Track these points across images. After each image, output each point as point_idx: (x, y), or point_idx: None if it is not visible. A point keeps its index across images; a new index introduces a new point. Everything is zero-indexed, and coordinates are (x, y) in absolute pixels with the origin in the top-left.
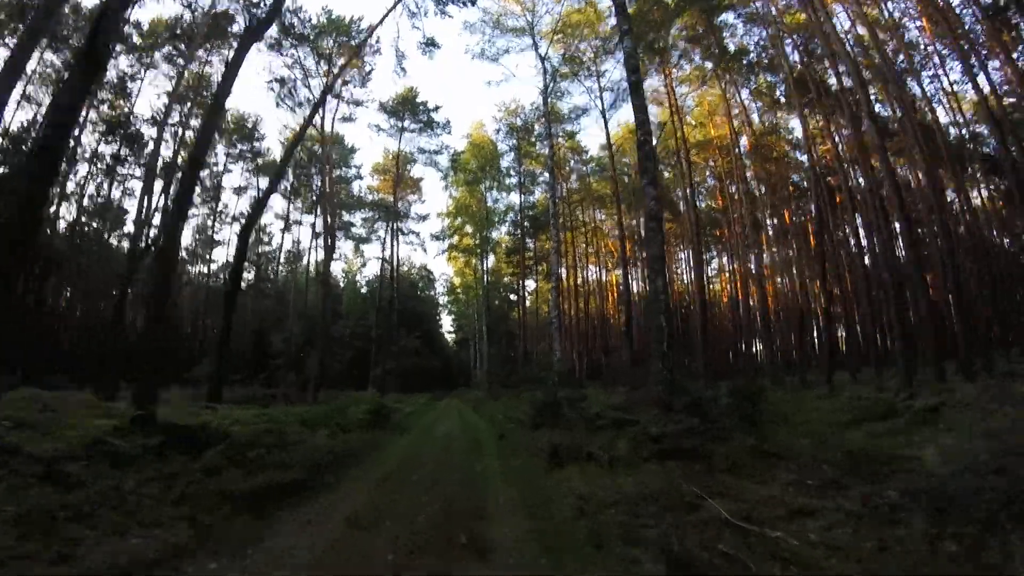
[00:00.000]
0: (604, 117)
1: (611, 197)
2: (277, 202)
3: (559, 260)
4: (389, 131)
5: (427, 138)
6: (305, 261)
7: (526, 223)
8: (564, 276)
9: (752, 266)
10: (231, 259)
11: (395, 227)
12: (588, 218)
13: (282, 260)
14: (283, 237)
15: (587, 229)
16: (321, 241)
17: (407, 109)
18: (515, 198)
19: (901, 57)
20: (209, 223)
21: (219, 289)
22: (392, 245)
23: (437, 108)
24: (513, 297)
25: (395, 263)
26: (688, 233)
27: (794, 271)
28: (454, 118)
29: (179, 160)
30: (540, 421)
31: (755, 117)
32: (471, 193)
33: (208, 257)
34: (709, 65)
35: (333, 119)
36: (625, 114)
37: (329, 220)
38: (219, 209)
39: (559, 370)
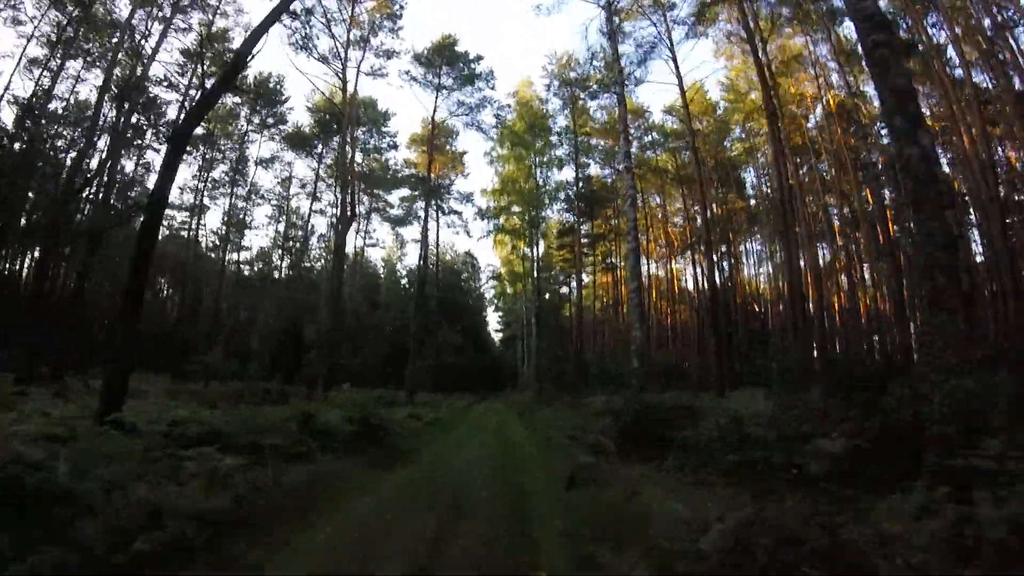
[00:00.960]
0: (675, 58)
1: (675, 173)
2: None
3: (635, 207)
4: (422, 83)
5: (467, 95)
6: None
7: (580, 203)
8: (618, 273)
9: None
10: (264, 245)
11: (434, 206)
12: (644, 202)
13: (315, 245)
14: (309, 217)
15: (646, 213)
16: (356, 226)
17: (444, 59)
18: (568, 173)
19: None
20: (239, 204)
21: (247, 279)
22: (429, 226)
23: (479, 58)
24: (564, 291)
25: (435, 247)
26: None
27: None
28: (498, 77)
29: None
30: (628, 446)
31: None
32: (518, 165)
33: (239, 243)
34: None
35: (358, 71)
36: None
37: (350, 185)
38: (248, 188)
39: (639, 369)
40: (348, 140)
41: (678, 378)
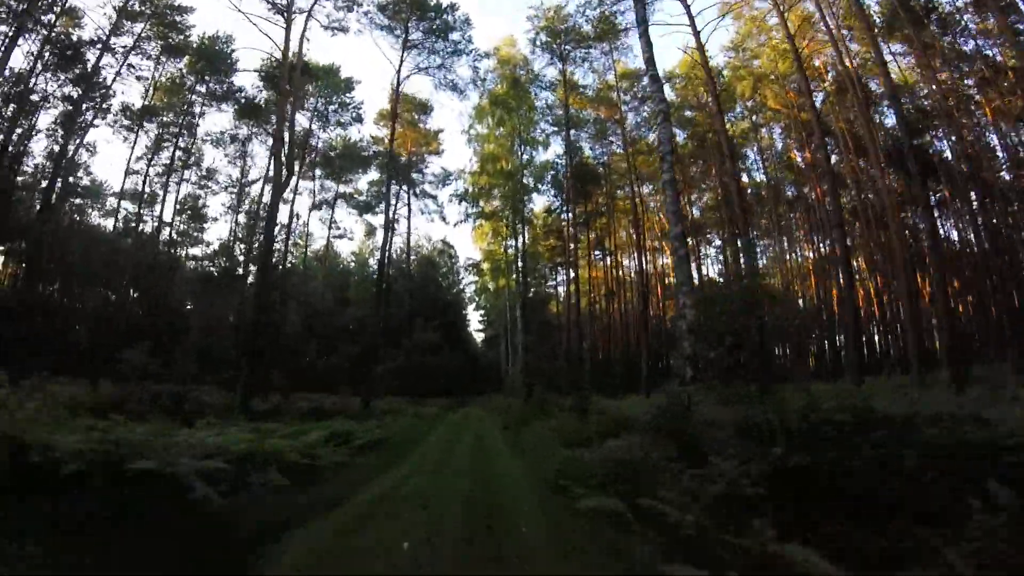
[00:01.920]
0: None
1: (691, 149)
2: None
3: (669, 121)
4: (384, 28)
5: (440, 50)
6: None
7: (574, 179)
8: (608, 263)
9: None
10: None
11: (405, 189)
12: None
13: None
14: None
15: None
16: (323, 216)
17: (413, 10)
18: (556, 150)
19: None
20: (194, 191)
21: (208, 275)
22: (400, 211)
23: (453, 7)
24: (550, 289)
25: (407, 236)
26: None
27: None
28: (477, 38)
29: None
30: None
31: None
32: (499, 143)
33: (197, 236)
34: None
35: (308, 17)
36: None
37: (288, 140)
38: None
39: (690, 352)
40: (289, 86)
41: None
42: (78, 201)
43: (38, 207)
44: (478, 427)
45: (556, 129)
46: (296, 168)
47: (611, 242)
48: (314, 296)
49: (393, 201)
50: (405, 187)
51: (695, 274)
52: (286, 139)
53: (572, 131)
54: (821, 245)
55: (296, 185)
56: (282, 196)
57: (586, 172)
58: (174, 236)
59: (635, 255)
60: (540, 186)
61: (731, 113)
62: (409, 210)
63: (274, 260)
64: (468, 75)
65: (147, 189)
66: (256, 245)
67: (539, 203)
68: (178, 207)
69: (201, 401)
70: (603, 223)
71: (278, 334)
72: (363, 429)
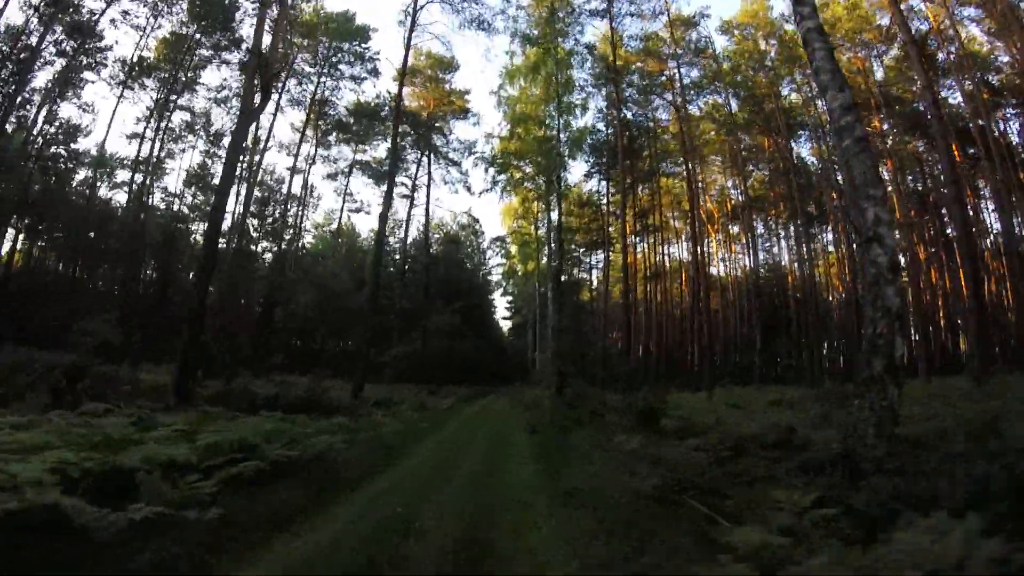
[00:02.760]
0: None
1: (742, 118)
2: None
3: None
4: None
5: None
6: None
7: (623, 131)
8: (652, 242)
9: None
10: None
11: (423, 155)
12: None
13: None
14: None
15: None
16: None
17: None
18: (594, 111)
19: None
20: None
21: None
22: (415, 178)
23: None
24: (584, 274)
25: (425, 207)
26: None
27: None
28: None
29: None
30: None
31: None
32: (534, 100)
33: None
34: None
35: None
36: None
37: (262, 61)
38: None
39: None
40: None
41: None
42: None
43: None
44: (497, 429)
45: (596, 83)
46: (265, 98)
47: (656, 217)
48: (329, 276)
49: (412, 168)
50: (425, 153)
51: (748, 261)
52: (265, 46)
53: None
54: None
55: (311, 154)
56: (251, 123)
57: (634, 129)
58: (184, 210)
59: (684, 236)
60: (577, 153)
61: (787, 80)
62: (429, 177)
63: (286, 236)
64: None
65: (152, 154)
66: (270, 220)
67: (576, 173)
68: (187, 177)
69: (126, 379)
70: (647, 198)
71: (268, 316)
72: (305, 433)
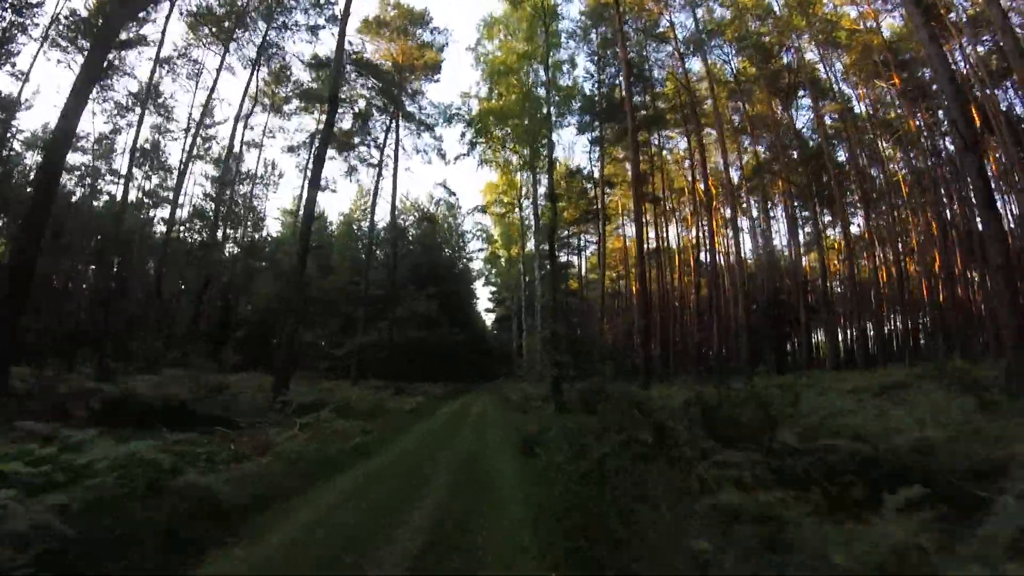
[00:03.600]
0: None
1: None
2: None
3: None
4: None
5: None
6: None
7: (631, 82)
8: (652, 236)
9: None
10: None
11: (390, 120)
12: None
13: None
14: (239, 150)
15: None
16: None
17: None
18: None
19: None
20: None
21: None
22: (387, 143)
23: None
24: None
25: (392, 177)
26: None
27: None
28: None
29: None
30: None
31: None
32: (512, 54)
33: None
34: None
35: None
36: None
37: None
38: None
39: None
40: None
41: None
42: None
43: None
44: (471, 447)
45: (590, 22)
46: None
47: (657, 185)
48: (289, 263)
49: (380, 136)
50: (392, 116)
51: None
52: None
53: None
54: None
55: (267, 126)
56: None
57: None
58: (141, 196)
59: (677, 216)
60: (566, 112)
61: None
62: (397, 142)
63: (239, 218)
64: None
65: (92, 131)
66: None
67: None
68: (138, 157)
69: None
70: (645, 163)
71: (227, 309)
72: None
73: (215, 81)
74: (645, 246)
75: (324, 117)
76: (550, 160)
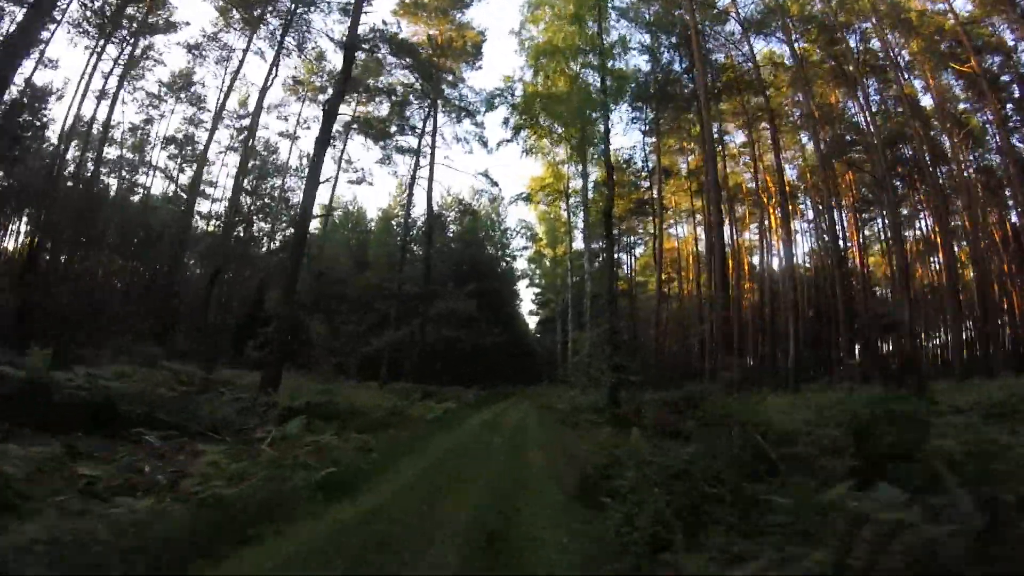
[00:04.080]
0: None
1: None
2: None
3: None
4: None
5: None
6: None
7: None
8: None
9: None
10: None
11: (429, 106)
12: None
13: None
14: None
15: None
16: (336, 158)
17: None
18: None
19: None
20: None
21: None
22: (426, 129)
23: None
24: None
25: (429, 168)
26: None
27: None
28: None
29: None
30: None
31: None
32: (566, 33)
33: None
34: None
35: None
36: None
37: None
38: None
39: None
40: None
41: None
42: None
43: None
44: (504, 484)
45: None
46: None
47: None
48: (324, 257)
49: (418, 122)
50: (429, 100)
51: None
52: None
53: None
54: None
55: (301, 116)
56: None
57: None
58: (178, 190)
59: (748, 215)
60: (621, 101)
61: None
62: (435, 126)
63: (283, 217)
64: None
65: (122, 120)
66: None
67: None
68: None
69: None
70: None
71: (259, 302)
72: None
73: (240, 63)
74: (722, 238)
75: (355, 103)
76: (606, 129)
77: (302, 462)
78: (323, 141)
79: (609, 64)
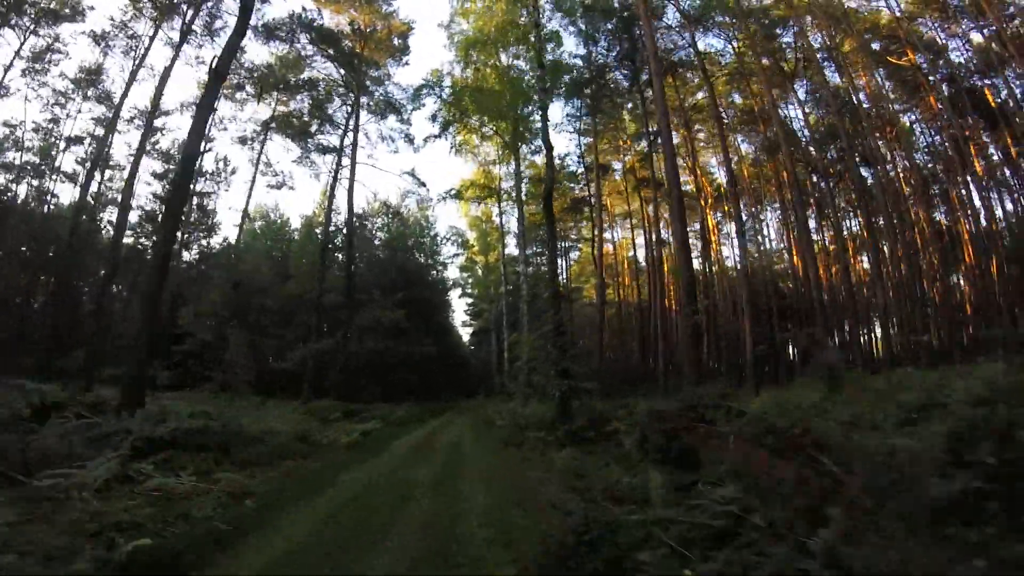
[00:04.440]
0: None
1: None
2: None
3: None
4: None
5: None
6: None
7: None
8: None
9: None
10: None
11: (350, 103)
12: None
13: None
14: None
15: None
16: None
17: None
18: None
19: None
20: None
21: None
22: (345, 132)
23: None
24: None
25: (350, 168)
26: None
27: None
28: None
29: None
30: None
31: None
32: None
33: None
34: None
35: None
36: None
37: None
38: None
39: None
40: None
41: None
42: None
43: None
44: (431, 552)
45: None
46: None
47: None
48: (245, 265)
49: (340, 118)
50: (353, 100)
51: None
52: None
53: None
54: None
55: (214, 114)
56: None
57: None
58: (88, 198)
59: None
60: (556, 91)
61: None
62: (356, 125)
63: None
64: None
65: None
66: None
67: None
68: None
69: None
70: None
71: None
72: None
73: (146, 51)
74: (686, 238)
75: (275, 102)
76: (543, 106)
77: (128, 522)
78: (207, 105)
79: (545, 55)
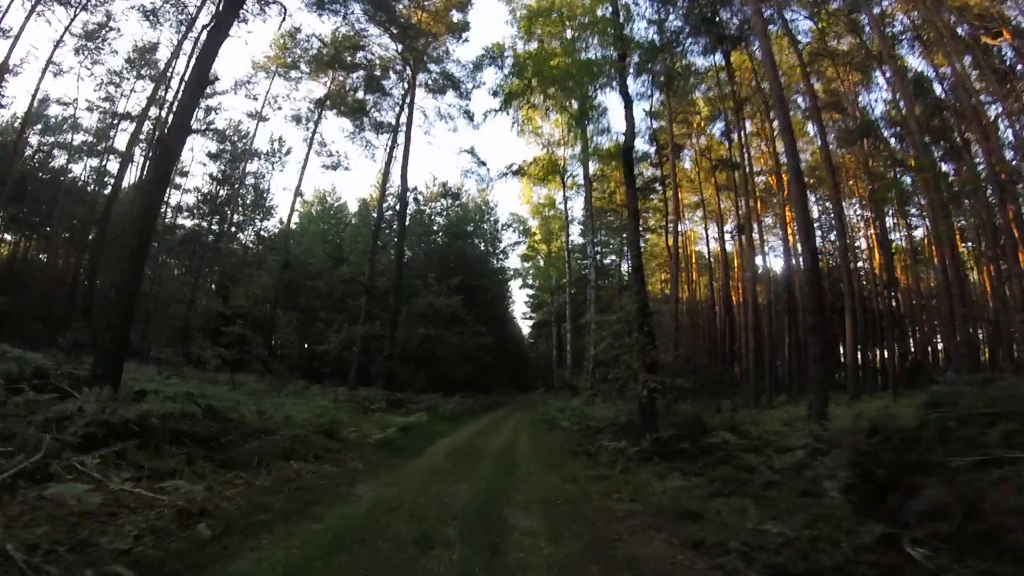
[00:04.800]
0: None
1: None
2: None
3: None
4: None
5: None
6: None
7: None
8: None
9: None
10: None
11: (407, 77)
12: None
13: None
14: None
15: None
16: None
17: None
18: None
19: None
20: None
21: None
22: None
23: None
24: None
25: (404, 148)
26: None
27: None
28: None
29: None
30: None
31: None
32: None
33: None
34: None
35: None
36: None
37: None
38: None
39: None
40: None
41: None
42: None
43: None
44: None
45: None
46: None
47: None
48: (297, 246)
49: (396, 93)
50: (411, 76)
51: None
52: None
53: None
54: None
55: (270, 92)
56: None
57: None
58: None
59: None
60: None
61: None
62: (412, 98)
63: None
64: None
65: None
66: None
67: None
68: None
69: None
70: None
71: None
72: None
73: (190, 26)
74: (812, 233)
75: (330, 81)
76: (622, 55)
77: None
78: (224, 24)
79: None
